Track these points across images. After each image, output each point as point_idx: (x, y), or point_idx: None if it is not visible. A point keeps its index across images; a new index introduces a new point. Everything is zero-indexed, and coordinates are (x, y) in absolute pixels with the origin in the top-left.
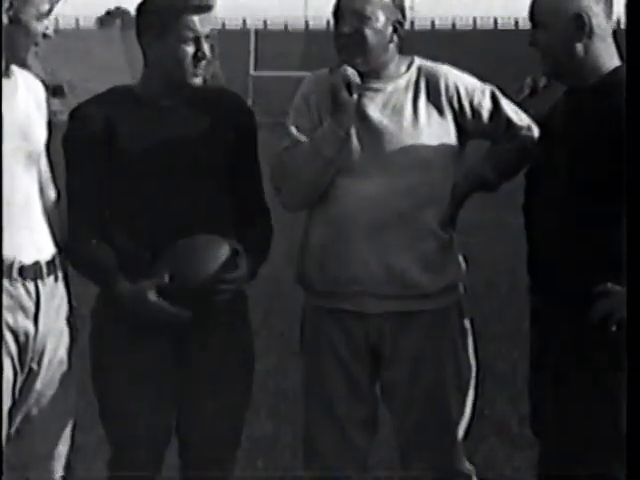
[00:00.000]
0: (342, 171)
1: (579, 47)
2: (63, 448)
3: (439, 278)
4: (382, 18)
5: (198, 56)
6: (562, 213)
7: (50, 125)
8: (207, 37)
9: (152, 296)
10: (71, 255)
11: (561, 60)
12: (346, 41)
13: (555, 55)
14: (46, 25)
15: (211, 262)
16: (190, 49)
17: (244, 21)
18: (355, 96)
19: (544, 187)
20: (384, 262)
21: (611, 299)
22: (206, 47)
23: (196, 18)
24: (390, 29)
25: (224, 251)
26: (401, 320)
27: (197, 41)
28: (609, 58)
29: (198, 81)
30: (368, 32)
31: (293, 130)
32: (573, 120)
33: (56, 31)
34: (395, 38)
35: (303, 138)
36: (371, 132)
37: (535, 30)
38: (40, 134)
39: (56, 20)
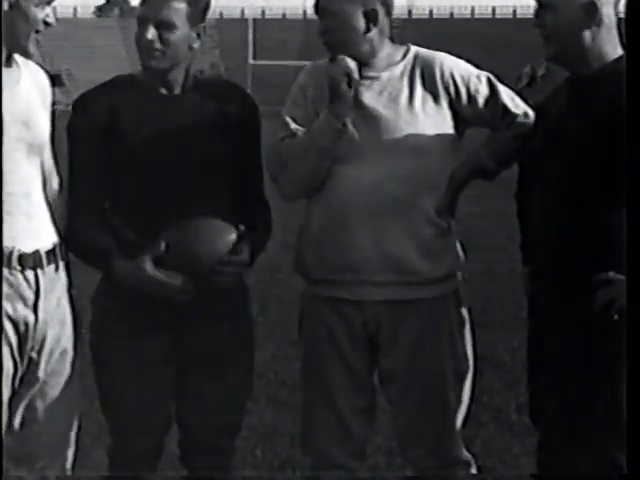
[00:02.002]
0: (339, 158)
1: (587, 34)
2: (70, 438)
3: (437, 265)
4: (350, 10)
5: (143, 42)
6: (562, 200)
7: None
8: (168, 25)
9: (149, 267)
10: (70, 240)
11: (567, 45)
12: (323, 40)
13: (561, 40)
14: (47, 12)
15: (209, 235)
16: (141, 33)
17: (242, 10)
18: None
19: (544, 174)
20: (382, 249)
21: (613, 287)
22: (150, 33)
23: (150, 4)
24: (362, 20)
25: (221, 226)
26: (399, 308)
27: (145, 26)
28: (613, 48)
29: (155, 64)
30: (336, 28)
31: (289, 121)
32: (575, 107)
33: (55, 20)
34: (371, 27)
35: (300, 129)
36: (367, 119)
37: (542, 12)
38: (43, 124)
39: (54, 9)
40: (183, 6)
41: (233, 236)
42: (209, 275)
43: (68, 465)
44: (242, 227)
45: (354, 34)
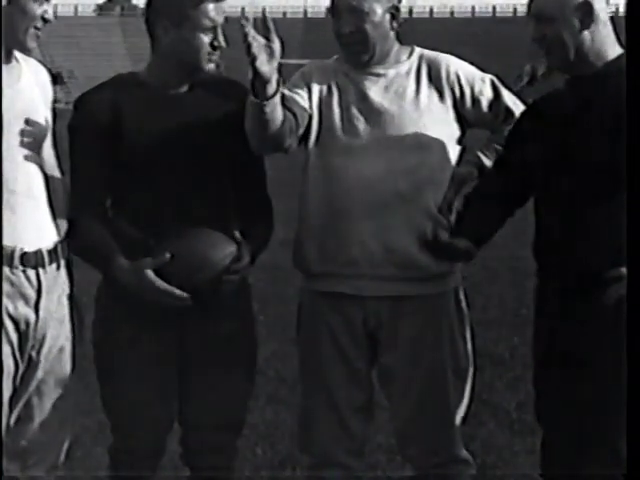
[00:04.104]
0: (342, 151)
1: (587, 35)
2: (63, 436)
3: (437, 261)
4: (379, 10)
5: (214, 45)
6: (568, 200)
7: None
8: (218, 29)
9: (149, 273)
10: (72, 241)
11: (569, 51)
12: (348, 40)
13: (564, 47)
14: (45, 9)
15: (212, 249)
16: (207, 38)
17: (242, 9)
18: (265, 67)
19: (550, 174)
20: (383, 242)
21: (625, 283)
22: (221, 36)
23: (212, 6)
24: (388, 18)
25: (226, 246)
26: (399, 305)
27: (214, 30)
28: (611, 44)
29: (212, 67)
30: (368, 28)
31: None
32: (579, 108)
33: (55, 17)
34: (394, 25)
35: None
36: (372, 114)
37: (540, 26)
38: (44, 121)
39: (55, 7)
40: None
41: (232, 249)
42: (212, 284)
43: (60, 462)
44: (238, 234)
45: (383, 32)
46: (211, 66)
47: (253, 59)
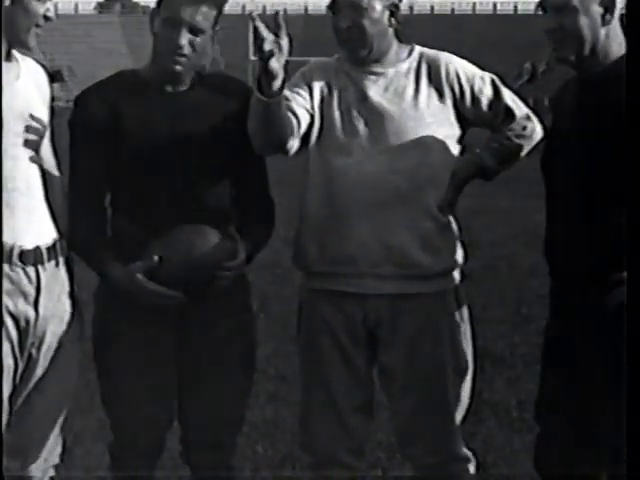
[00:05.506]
0: (342, 151)
1: (603, 32)
2: (62, 433)
3: (437, 259)
4: (378, 7)
5: (173, 46)
6: (575, 199)
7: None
8: (199, 31)
9: (140, 277)
10: (71, 240)
11: (585, 45)
12: (346, 35)
13: (580, 40)
14: (47, 7)
15: (202, 249)
16: (171, 37)
17: (243, 7)
18: (276, 64)
19: (558, 174)
20: (383, 241)
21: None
22: (184, 38)
23: (185, 8)
24: (387, 15)
25: (216, 239)
26: (399, 303)
27: (177, 30)
28: (619, 44)
29: (179, 69)
30: (366, 24)
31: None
32: (586, 107)
33: (56, 15)
34: (393, 22)
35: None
36: (372, 114)
37: (558, 16)
38: (42, 120)
39: (56, 5)
40: (212, 11)
41: (223, 243)
42: (207, 282)
43: (59, 460)
44: (233, 231)
45: (382, 28)
46: (177, 67)
47: (269, 56)
